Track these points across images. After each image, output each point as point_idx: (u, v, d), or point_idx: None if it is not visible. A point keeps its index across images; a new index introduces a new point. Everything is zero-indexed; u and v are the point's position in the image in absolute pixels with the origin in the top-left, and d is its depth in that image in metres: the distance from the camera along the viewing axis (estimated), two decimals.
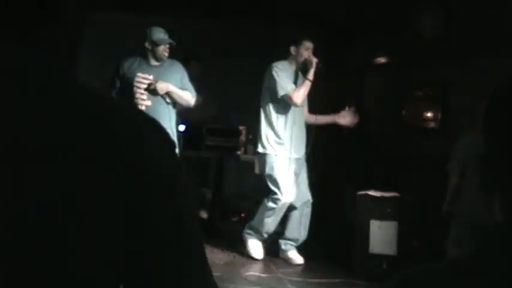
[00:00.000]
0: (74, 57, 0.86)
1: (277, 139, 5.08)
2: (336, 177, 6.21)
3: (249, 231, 5.25)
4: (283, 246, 5.23)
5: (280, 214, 5.10)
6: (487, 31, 4.84)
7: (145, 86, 4.69)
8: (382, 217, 4.91)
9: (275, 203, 5.03)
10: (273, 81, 5.00)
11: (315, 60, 4.96)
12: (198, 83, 5.76)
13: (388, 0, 6.03)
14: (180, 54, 5.16)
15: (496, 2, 4.76)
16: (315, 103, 5.42)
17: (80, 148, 0.74)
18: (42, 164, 0.73)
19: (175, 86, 4.76)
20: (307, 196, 5.22)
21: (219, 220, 6.43)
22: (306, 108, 5.29)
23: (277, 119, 5.09)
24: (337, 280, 4.74)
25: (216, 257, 5.19)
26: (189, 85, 4.88)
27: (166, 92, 4.71)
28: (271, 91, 5.05)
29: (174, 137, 4.78)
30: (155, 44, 4.69)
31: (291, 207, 5.15)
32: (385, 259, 4.85)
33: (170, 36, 4.80)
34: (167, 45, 4.73)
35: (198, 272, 0.82)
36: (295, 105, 4.98)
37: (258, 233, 5.20)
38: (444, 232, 5.04)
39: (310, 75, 4.97)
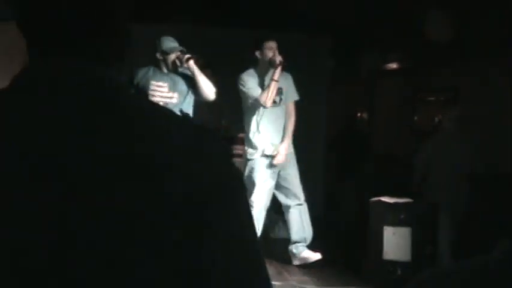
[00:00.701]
0: (123, 68, 0.85)
1: (249, 142, 5.21)
2: (348, 183, 6.19)
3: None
4: (294, 250, 5.21)
5: (260, 216, 5.06)
6: (499, 36, 4.82)
7: (160, 93, 4.73)
8: (395, 223, 4.89)
9: (252, 205, 4.99)
10: (241, 93, 5.16)
11: (278, 58, 4.98)
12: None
13: (398, 6, 6.03)
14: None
15: (509, 7, 4.74)
16: (328, 109, 5.41)
17: (140, 163, 0.73)
18: (104, 182, 0.72)
19: (190, 92, 4.82)
20: (300, 195, 5.24)
21: None
22: (290, 105, 5.30)
23: (249, 123, 5.21)
24: (351, 287, 4.71)
25: None
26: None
27: (192, 71, 4.75)
28: (243, 101, 5.21)
29: None
30: (166, 53, 4.74)
31: (285, 208, 5.23)
32: (400, 265, 4.83)
33: (181, 45, 4.83)
34: (178, 53, 4.75)
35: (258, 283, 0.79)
36: (264, 107, 5.06)
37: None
38: (458, 237, 5.00)
39: (275, 75, 5.00)
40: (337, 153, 6.74)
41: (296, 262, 5.20)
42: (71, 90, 0.76)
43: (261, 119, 5.18)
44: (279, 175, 5.23)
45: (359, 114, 7.45)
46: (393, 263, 4.84)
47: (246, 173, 5.17)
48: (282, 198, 5.26)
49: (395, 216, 4.89)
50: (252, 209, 4.82)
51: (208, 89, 4.84)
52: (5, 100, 0.78)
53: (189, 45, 4.87)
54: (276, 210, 4.94)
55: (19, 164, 0.72)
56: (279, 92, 5.19)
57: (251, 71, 5.23)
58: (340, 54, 4.93)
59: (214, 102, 5.07)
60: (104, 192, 0.71)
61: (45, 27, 0.79)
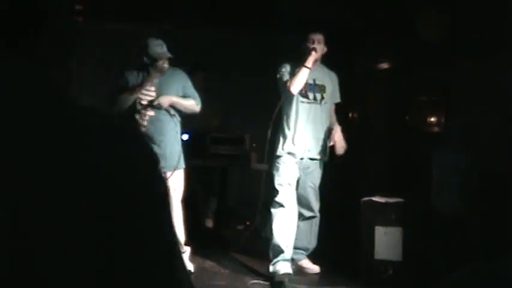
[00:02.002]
0: (65, 68, 0.86)
1: (284, 139, 4.86)
2: (339, 183, 6.20)
3: (273, 260, 4.83)
4: (293, 256, 4.98)
5: (289, 221, 4.79)
6: (490, 33, 4.84)
7: (148, 97, 4.59)
8: (387, 223, 4.90)
9: (274, 206, 4.82)
10: (277, 80, 4.86)
11: (311, 46, 4.75)
12: (202, 92, 5.78)
13: (390, 6, 6.04)
14: (184, 64, 5.15)
15: (500, 5, 4.76)
16: None
17: (63, 164, 0.74)
18: (32, 181, 0.72)
19: (178, 94, 4.71)
20: (316, 207, 5.02)
21: (224, 228, 6.43)
22: (332, 107, 5.05)
23: (285, 117, 4.89)
24: (342, 287, 4.73)
25: (221, 265, 5.19)
26: (193, 92, 4.77)
27: (171, 104, 4.69)
28: (280, 89, 4.87)
29: (179, 147, 4.76)
30: (153, 59, 4.57)
31: (298, 216, 4.91)
32: (391, 265, 4.84)
33: (174, 47, 4.72)
34: (166, 60, 4.59)
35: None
36: (291, 94, 4.71)
37: (279, 251, 4.79)
38: (449, 236, 5.02)
39: (307, 62, 4.70)
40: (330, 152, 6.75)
41: (292, 267, 4.99)
42: (6, 89, 0.77)
43: (297, 119, 4.84)
44: (300, 180, 4.93)
45: (350, 115, 7.46)
46: (384, 263, 4.85)
47: (275, 174, 4.89)
48: (299, 204, 4.93)
49: (386, 216, 4.91)
50: (279, 211, 4.76)
51: (191, 108, 4.73)
52: None
53: (180, 47, 4.83)
54: (269, 208, 4.92)
55: None
56: (321, 89, 4.91)
57: (291, 62, 4.88)
58: (331, 55, 4.92)
59: (204, 104, 5.01)
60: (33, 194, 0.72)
61: None
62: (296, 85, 4.70)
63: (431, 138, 5.76)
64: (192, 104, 4.75)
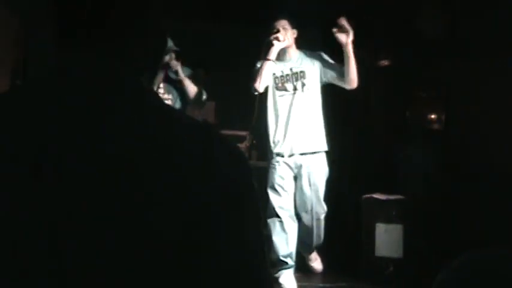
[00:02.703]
0: (152, 69, 0.85)
1: (270, 141, 4.57)
2: (339, 180, 6.20)
3: (275, 269, 4.61)
4: (300, 249, 4.80)
5: (286, 228, 4.55)
6: (490, 31, 4.84)
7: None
8: (387, 220, 4.90)
9: (268, 214, 4.52)
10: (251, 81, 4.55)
11: (272, 37, 4.43)
12: (203, 89, 5.79)
13: (391, 3, 6.03)
14: (185, 61, 5.16)
15: (500, 2, 4.75)
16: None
17: (152, 165, 0.73)
18: (125, 183, 0.72)
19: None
20: (319, 207, 4.69)
21: None
22: (315, 91, 4.62)
23: (266, 117, 4.60)
24: (343, 284, 4.73)
25: None
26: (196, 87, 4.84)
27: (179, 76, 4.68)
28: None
29: None
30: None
31: (300, 216, 4.70)
32: (392, 262, 4.84)
33: (176, 44, 4.74)
34: (173, 55, 4.67)
35: None
36: (256, 91, 4.43)
37: (281, 262, 4.59)
38: (450, 234, 5.03)
39: (269, 54, 4.43)
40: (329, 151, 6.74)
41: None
42: (87, 89, 0.76)
43: (277, 112, 4.51)
44: (297, 180, 4.65)
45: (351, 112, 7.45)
46: (385, 260, 4.86)
47: (268, 179, 4.58)
48: (296, 205, 4.67)
49: (387, 213, 4.91)
50: (275, 219, 4.48)
51: (194, 90, 4.77)
52: (24, 94, 0.78)
53: (180, 44, 4.84)
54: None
55: (19, 161, 0.72)
56: (301, 75, 4.54)
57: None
58: (331, 51, 4.89)
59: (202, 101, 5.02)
60: (102, 194, 0.71)
61: (79, 25, 0.79)
62: (260, 81, 4.40)
63: (432, 135, 5.76)
64: (196, 90, 4.75)
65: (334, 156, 5.04)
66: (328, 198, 4.95)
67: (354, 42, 4.48)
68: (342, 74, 4.53)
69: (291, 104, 4.52)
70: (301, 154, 4.57)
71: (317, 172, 4.64)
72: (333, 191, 4.94)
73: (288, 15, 4.59)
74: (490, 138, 4.79)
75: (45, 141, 0.73)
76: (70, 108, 0.74)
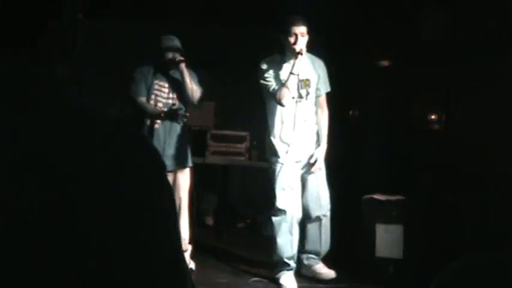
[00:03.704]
0: (70, 67, 0.85)
1: (275, 145, 4.61)
2: (339, 181, 6.20)
3: (276, 269, 4.66)
4: (305, 261, 4.84)
5: (292, 230, 4.58)
6: (490, 32, 4.84)
7: (162, 94, 4.74)
8: (388, 221, 4.90)
9: (275, 214, 4.59)
10: (260, 84, 4.57)
11: (297, 48, 4.37)
12: (205, 89, 5.80)
13: (390, 3, 6.04)
14: (187, 61, 5.18)
15: (500, 3, 4.75)
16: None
17: (64, 164, 0.73)
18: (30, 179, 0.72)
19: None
20: (325, 206, 4.77)
21: (224, 226, 6.42)
22: (321, 99, 4.73)
23: (274, 122, 4.61)
24: (344, 285, 4.72)
25: (222, 263, 5.19)
26: (199, 86, 4.88)
27: (181, 74, 4.69)
28: (263, 94, 4.63)
29: (187, 146, 4.86)
30: (164, 51, 4.71)
31: (306, 217, 4.72)
32: (392, 262, 4.84)
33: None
34: (176, 54, 4.71)
35: None
36: (281, 105, 4.45)
37: (283, 263, 4.62)
38: (450, 234, 5.02)
39: (294, 68, 4.37)
40: (330, 151, 6.74)
41: (306, 273, 4.85)
42: (9, 89, 0.77)
43: (286, 121, 4.57)
44: (306, 181, 4.72)
45: (351, 112, 7.45)
46: (385, 260, 4.86)
47: (271, 179, 4.65)
48: (305, 206, 4.72)
49: (387, 213, 4.91)
50: (281, 222, 4.54)
51: (194, 93, 4.77)
52: None
53: (185, 44, 4.87)
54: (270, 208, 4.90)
55: None
56: (306, 84, 4.59)
57: (275, 58, 4.59)
58: (331, 53, 4.89)
59: (205, 101, 5.05)
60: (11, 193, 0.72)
61: None
62: (287, 96, 4.42)
63: (432, 136, 5.76)
64: (198, 91, 4.80)
65: (334, 158, 5.04)
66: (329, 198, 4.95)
67: (354, 45, 4.48)
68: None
69: (296, 110, 4.56)
70: (307, 158, 4.70)
71: (322, 170, 4.77)
72: (333, 192, 4.94)
73: (306, 19, 4.53)
74: (490, 139, 4.79)
75: None
76: None
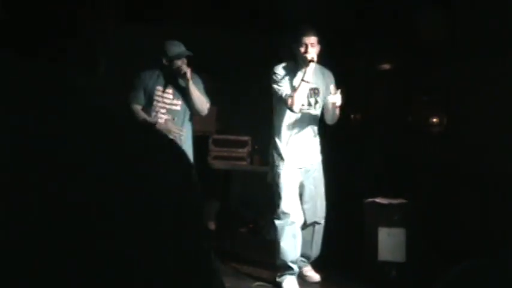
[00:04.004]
0: (93, 73, 0.86)
1: (281, 149, 4.68)
2: (341, 184, 6.20)
3: (278, 273, 4.70)
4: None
5: (296, 233, 4.62)
6: (491, 35, 4.84)
7: (165, 99, 4.69)
8: (390, 224, 4.90)
9: (279, 218, 4.62)
10: (272, 88, 4.63)
11: (309, 56, 4.46)
12: (209, 94, 5.81)
13: (391, 6, 6.04)
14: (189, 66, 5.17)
15: (500, 5, 4.75)
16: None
17: (93, 167, 0.74)
18: (58, 181, 0.72)
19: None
20: (321, 214, 4.82)
21: (226, 231, 6.42)
22: (328, 106, 4.73)
23: (281, 127, 4.68)
24: None
25: (224, 267, 5.19)
26: (206, 96, 4.85)
27: (186, 85, 4.66)
28: (273, 98, 4.70)
29: (191, 150, 4.82)
30: (172, 59, 4.62)
31: (302, 223, 4.74)
32: (394, 266, 4.84)
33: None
34: (184, 60, 4.65)
35: None
36: (292, 111, 4.53)
37: (286, 267, 4.65)
38: (452, 237, 5.02)
39: (306, 75, 4.47)
40: (331, 154, 6.75)
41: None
42: (30, 96, 0.77)
43: (293, 127, 4.67)
44: (304, 187, 4.77)
45: (352, 116, 7.46)
46: (388, 264, 4.85)
47: (275, 182, 4.70)
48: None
49: (389, 217, 4.90)
50: (284, 225, 4.58)
51: (200, 106, 4.75)
52: None
53: (186, 48, 4.85)
54: (273, 212, 4.91)
55: None
56: (315, 92, 4.68)
57: (289, 65, 4.65)
58: (331, 56, 4.89)
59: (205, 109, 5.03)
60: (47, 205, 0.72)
61: (18, 32, 0.80)
62: (298, 102, 4.50)
63: (433, 138, 5.76)
64: (204, 101, 4.78)
65: (336, 161, 5.04)
66: (330, 202, 4.95)
67: (355, 47, 4.53)
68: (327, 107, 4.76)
69: (303, 118, 4.66)
70: (310, 165, 4.76)
71: (320, 178, 4.83)
72: (335, 196, 4.94)
73: (316, 30, 4.58)
74: (491, 140, 4.79)
75: None
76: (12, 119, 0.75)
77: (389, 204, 4.95)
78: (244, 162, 6.32)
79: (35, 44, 0.81)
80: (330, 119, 4.78)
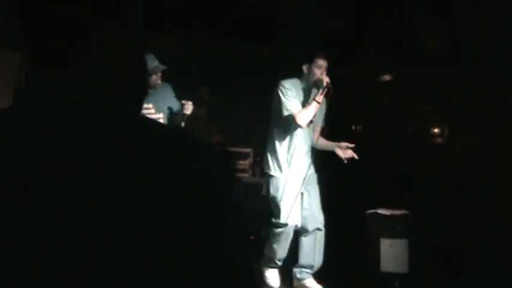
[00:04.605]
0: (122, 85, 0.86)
1: (279, 160, 4.87)
2: (343, 195, 6.19)
3: (263, 262, 5.03)
4: (298, 275, 4.97)
5: (288, 238, 4.85)
6: (492, 45, 4.84)
7: (148, 114, 4.68)
8: (392, 235, 4.88)
9: (276, 226, 4.82)
10: (278, 100, 4.78)
11: (325, 80, 4.68)
12: (208, 106, 5.86)
13: (391, 17, 6.06)
14: (190, 79, 5.20)
15: (501, 15, 4.76)
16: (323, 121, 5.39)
17: (132, 177, 0.73)
18: (96, 192, 0.72)
19: (174, 106, 4.75)
20: (320, 219, 4.96)
21: None
22: (318, 128, 5.06)
23: (280, 139, 4.88)
24: None
25: None
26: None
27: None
28: (276, 110, 4.83)
29: None
30: (149, 74, 4.55)
31: (302, 231, 4.92)
32: (397, 277, 4.81)
33: (179, 61, 4.76)
34: (159, 74, 4.62)
35: None
36: (300, 126, 4.73)
37: (271, 262, 4.97)
38: (455, 248, 5.00)
39: (318, 96, 4.70)
40: (333, 165, 6.74)
41: (297, 286, 5.00)
42: (67, 104, 0.77)
43: (296, 138, 4.88)
44: (302, 195, 4.93)
45: (353, 127, 7.46)
46: (391, 275, 4.83)
47: (270, 192, 4.92)
48: (301, 220, 4.92)
49: (392, 228, 4.89)
50: (281, 232, 4.80)
51: (189, 109, 4.72)
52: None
53: (186, 60, 4.87)
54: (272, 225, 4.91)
55: None
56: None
57: (295, 82, 4.86)
58: (332, 67, 4.90)
59: (208, 118, 5.06)
60: (77, 206, 0.72)
61: (46, 44, 0.81)
62: (307, 120, 4.71)
63: (435, 148, 5.75)
64: (190, 103, 4.78)
65: (337, 172, 5.03)
66: (332, 213, 4.94)
67: (356, 57, 4.61)
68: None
69: (301, 133, 4.88)
70: (307, 174, 4.90)
71: (317, 188, 5.01)
72: (337, 207, 4.93)
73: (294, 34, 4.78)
74: (493, 151, 4.78)
75: (17, 152, 0.74)
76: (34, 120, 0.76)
77: (392, 215, 4.94)
78: (246, 174, 6.32)
79: (40, 46, 0.81)
80: (315, 141, 5.05)
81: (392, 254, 4.85)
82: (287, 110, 4.73)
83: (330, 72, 4.81)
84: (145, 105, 4.64)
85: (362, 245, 5.12)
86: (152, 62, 4.58)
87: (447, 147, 5.53)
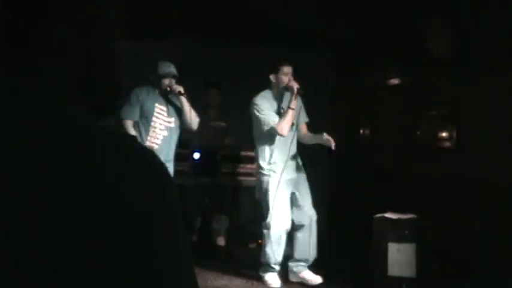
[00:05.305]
0: (69, 85, 0.86)
1: (267, 163, 5.09)
2: (351, 200, 6.18)
3: (261, 268, 5.18)
4: (294, 269, 5.18)
5: (281, 240, 5.04)
6: (501, 48, 4.83)
7: (162, 117, 4.91)
8: (400, 239, 4.86)
9: (267, 227, 5.03)
10: (255, 119, 5.06)
11: (295, 86, 4.90)
12: (217, 109, 5.89)
13: (399, 20, 6.05)
14: (199, 82, 5.27)
15: (510, 20, 4.75)
16: (330, 124, 5.40)
17: (64, 179, 0.73)
18: (30, 192, 0.72)
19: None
20: (312, 214, 5.15)
21: (236, 247, 6.40)
22: (303, 126, 5.29)
23: (265, 145, 5.10)
24: None
25: (233, 283, 5.17)
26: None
27: (180, 102, 4.93)
28: (256, 128, 5.10)
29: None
30: (160, 78, 4.89)
31: (297, 228, 5.12)
32: (405, 281, 4.80)
33: (188, 64, 4.96)
34: (172, 79, 4.91)
35: None
36: (282, 136, 4.95)
37: (269, 267, 5.12)
38: (463, 252, 4.98)
39: (292, 103, 4.93)
40: (340, 169, 6.74)
41: (293, 279, 5.20)
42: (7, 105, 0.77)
43: (275, 147, 5.09)
44: (293, 195, 5.16)
45: (361, 131, 7.45)
46: (398, 279, 4.81)
47: (262, 195, 5.12)
48: (294, 217, 5.13)
49: (399, 232, 4.87)
50: (271, 232, 4.98)
51: (194, 120, 5.03)
52: None
53: (194, 64, 4.97)
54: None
55: None
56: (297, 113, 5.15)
57: (266, 94, 5.14)
58: (340, 71, 4.91)
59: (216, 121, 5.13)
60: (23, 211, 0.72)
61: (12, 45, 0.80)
62: (287, 128, 4.93)
63: (443, 153, 5.74)
64: (196, 117, 5.05)
65: (344, 176, 5.03)
66: (340, 218, 4.93)
67: (364, 62, 4.62)
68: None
69: (286, 139, 5.03)
70: (296, 175, 5.17)
71: (307, 187, 5.21)
72: (345, 211, 4.92)
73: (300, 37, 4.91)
74: (501, 155, 4.76)
75: None
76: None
77: (399, 220, 4.92)
78: (253, 178, 6.30)
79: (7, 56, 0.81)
80: (303, 138, 5.27)
81: (399, 258, 4.83)
82: (266, 125, 4.98)
83: (330, 72, 4.83)
84: (160, 107, 4.83)
85: (369, 249, 5.11)
86: (166, 68, 4.92)
87: (455, 151, 5.51)
